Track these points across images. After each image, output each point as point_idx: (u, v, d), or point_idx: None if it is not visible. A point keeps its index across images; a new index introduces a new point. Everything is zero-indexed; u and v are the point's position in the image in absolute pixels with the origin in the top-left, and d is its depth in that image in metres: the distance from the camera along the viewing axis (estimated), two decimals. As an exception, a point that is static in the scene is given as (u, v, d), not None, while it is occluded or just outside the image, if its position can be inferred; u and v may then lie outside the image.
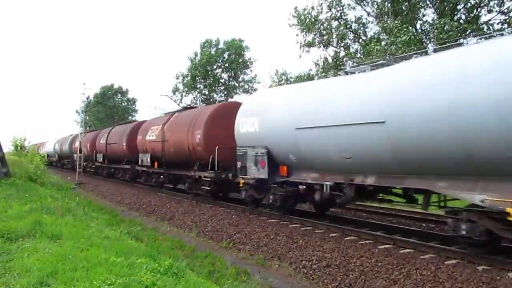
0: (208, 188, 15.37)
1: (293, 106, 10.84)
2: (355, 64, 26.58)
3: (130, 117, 64.96)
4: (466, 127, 6.81)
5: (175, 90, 47.21)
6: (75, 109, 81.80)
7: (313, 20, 28.17)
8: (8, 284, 5.02)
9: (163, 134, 18.33)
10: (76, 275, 5.09)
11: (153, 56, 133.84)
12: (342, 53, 28.87)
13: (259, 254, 9.51)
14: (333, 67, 28.17)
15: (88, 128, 51.76)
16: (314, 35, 28.58)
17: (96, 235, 7.74)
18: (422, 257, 7.80)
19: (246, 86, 47.66)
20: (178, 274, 5.59)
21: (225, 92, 46.77)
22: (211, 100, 44.14)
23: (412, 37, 21.62)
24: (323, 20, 28.27)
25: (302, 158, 10.53)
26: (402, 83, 8.17)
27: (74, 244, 6.67)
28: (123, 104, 72.23)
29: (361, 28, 28.68)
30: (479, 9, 23.51)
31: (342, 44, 28.85)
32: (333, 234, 9.90)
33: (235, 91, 47.34)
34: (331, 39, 28.47)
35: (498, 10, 23.00)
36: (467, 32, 21.86)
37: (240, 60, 46.85)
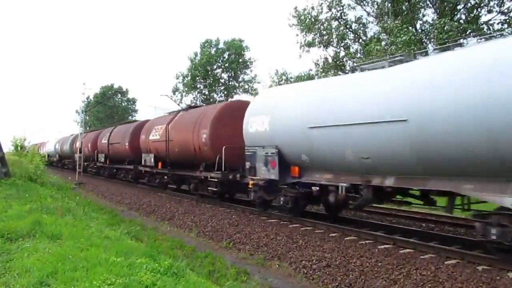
0: (215, 189, 14.95)
1: (306, 104, 10.39)
2: (355, 64, 26.62)
3: (130, 117, 64.98)
4: (498, 126, 6.39)
5: (175, 90, 47.24)
6: (75, 109, 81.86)
7: (313, 20, 28.16)
8: (8, 284, 5.02)
9: (168, 134, 17.95)
10: (76, 275, 5.09)
11: (153, 56, 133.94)
12: (342, 53, 28.88)
13: (259, 254, 9.51)
14: (333, 67, 28.18)
15: (88, 128, 51.74)
16: (314, 35, 28.58)
17: (96, 235, 7.74)
18: (422, 257, 7.80)
19: (246, 86, 47.72)
20: (178, 274, 5.59)
21: (225, 92, 46.76)
22: (211, 100, 44.14)
23: (412, 37, 21.61)
24: (323, 20, 28.28)
25: (315, 158, 10.11)
26: (426, 79, 7.64)
27: (74, 244, 6.67)
28: (123, 104, 72.26)
29: (361, 28, 28.69)
30: (479, 9, 23.51)
31: (342, 44, 28.85)
32: (333, 234, 9.89)
33: (235, 91, 47.37)
34: (331, 39, 28.47)
35: (498, 10, 23.01)
36: (467, 32, 21.85)
37: (240, 60, 46.85)
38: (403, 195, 9.40)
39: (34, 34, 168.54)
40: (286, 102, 11.28)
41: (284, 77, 32.17)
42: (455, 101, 6.94)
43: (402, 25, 22.35)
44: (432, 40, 22.27)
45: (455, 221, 11.89)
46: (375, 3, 27.29)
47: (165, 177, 19.63)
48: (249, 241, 10.49)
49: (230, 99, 40.97)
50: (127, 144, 23.70)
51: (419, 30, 24.45)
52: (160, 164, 19.25)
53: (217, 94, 46.73)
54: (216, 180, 14.56)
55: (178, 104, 43.51)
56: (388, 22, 24.33)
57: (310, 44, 28.91)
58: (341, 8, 27.86)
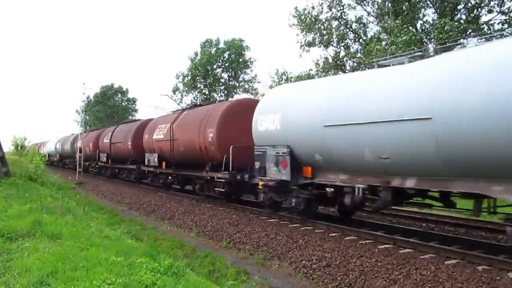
0: (222, 190, 14.50)
1: (321, 101, 9.93)
2: (354, 63, 26.65)
3: (130, 117, 64.92)
4: None
5: (175, 89, 47.17)
6: (75, 109, 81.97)
7: (313, 20, 28.15)
8: (8, 283, 5.03)
9: (172, 133, 17.55)
10: (76, 274, 5.10)
11: (153, 56, 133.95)
12: (342, 53, 28.87)
13: (259, 253, 9.51)
14: (333, 67, 28.17)
15: (88, 128, 51.71)
16: (314, 35, 28.57)
17: (96, 235, 7.75)
18: (422, 257, 7.80)
19: (246, 86, 47.68)
20: (178, 274, 5.59)
21: (225, 92, 46.74)
22: (211, 100, 44.09)
23: (413, 37, 21.60)
24: (323, 20, 28.27)
25: (330, 158, 9.68)
26: (452, 75, 7.23)
27: (74, 243, 6.68)
28: (123, 103, 72.21)
29: (362, 28, 28.68)
30: (479, 9, 23.50)
31: (342, 44, 28.84)
32: (333, 234, 9.89)
33: (235, 91, 47.34)
34: (331, 39, 28.46)
35: (498, 10, 22.99)
36: (468, 32, 21.84)
37: (240, 60, 46.79)
38: (422, 197, 8.94)
39: (34, 34, 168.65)
40: (299, 99, 10.80)
41: (284, 77, 32.16)
42: (487, 98, 6.53)
43: (403, 25, 22.34)
44: (433, 40, 22.26)
45: (455, 221, 11.91)
46: (376, 3, 27.28)
47: (170, 177, 19.25)
48: (249, 240, 10.49)
49: (230, 99, 40.99)
50: (129, 143, 23.35)
51: (420, 30, 24.44)
52: (164, 164, 18.87)
53: (217, 94, 46.69)
54: (223, 180, 14.16)
55: (178, 104, 43.50)
56: (389, 22, 24.32)
57: (310, 44, 28.90)
58: (341, 8, 27.84)
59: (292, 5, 59.79)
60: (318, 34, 28.41)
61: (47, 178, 20.62)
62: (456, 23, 21.20)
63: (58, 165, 46.09)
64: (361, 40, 28.61)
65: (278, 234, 10.42)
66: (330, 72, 27.31)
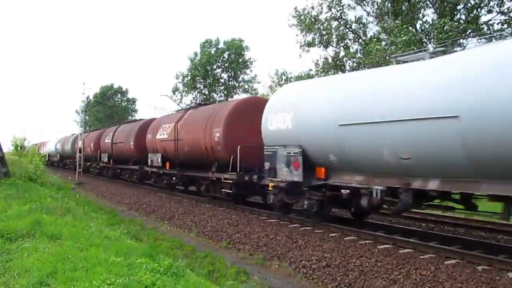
0: (229, 191, 14.01)
1: (336, 99, 9.49)
2: (354, 63, 26.65)
3: (130, 117, 64.94)
4: None
5: (175, 90, 47.21)
6: (75, 109, 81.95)
7: (313, 20, 28.18)
8: (7, 284, 5.03)
9: (176, 133, 17.08)
10: (76, 275, 5.10)
11: (153, 56, 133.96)
12: (342, 53, 28.90)
13: (259, 254, 9.51)
14: (333, 67, 28.19)
15: (87, 128, 51.70)
16: (314, 35, 28.60)
17: (95, 235, 7.74)
18: (421, 257, 7.80)
19: (246, 86, 47.72)
20: (178, 274, 5.60)
21: (225, 92, 46.77)
22: (211, 100, 44.10)
23: (412, 37, 21.62)
24: (323, 20, 28.30)
25: (345, 159, 9.27)
26: (482, 70, 6.82)
27: (74, 244, 6.68)
28: (123, 104, 72.27)
29: (361, 28, 28.71)
30: (479, 9, 23.53)
31: (342, 44, 28.87)
32: (333, 234, 9.89)
33: (235, 91, 47.37)
34: (331, 39, 28.48)
35: (498, 10, 23.02)
36: (467, 32, 21.86)
37: (240, 60, 46.83)
38: (444, 199, 8.51)
39: (34, 34, 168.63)
40: (312, 97, 10.34)
41: (284, 77, 32.19)
42: None
43: (402, 25, 22.36)
44: (432, 40, 22.28)
45: (455, 221, 11.91)
46: (375, 3, 27.32)
47: (174, 178, 18.70)
48: (248, 241, 10.49)
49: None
50: (132, 143, 22.91)
51: (419, 30, 24.47)
52: (167, 164, 18.43)
53: (217, 94, 46.74)
54: (230, 181, 13.68)
55: (178, 104, 43.52)
56: (388, 22, 24.34)
57: (310, 44, 28.94)
58: (341, 8, 27.89)
59: (292, 5, 59.83)
60: (318, 34, 28.45)
61: (47, 178, 20.61)
62: (455, 23, 21.24)
63: (58, 166, 45.72)
64: (360, 40, 28.63)
65: (277, 234, 10.42)
66: (329, 72, 27.34)
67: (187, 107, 20.17)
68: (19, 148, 31.33)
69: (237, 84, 47.90)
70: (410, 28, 23.18)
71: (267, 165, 11.39)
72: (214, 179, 14.82)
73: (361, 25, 28.56)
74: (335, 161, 9.55)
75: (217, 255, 9.38)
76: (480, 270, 6.92)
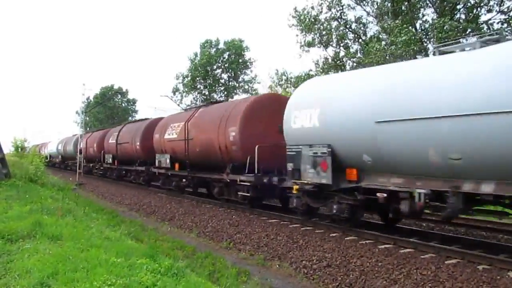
0: (247, 194, 13.07)
1: (372, 94, 8.67)
2: (354, 63, 26.64)
3: (130, 118, 64.93)
4: None
5: (175, 90, 47.21)
6: (75, 110, 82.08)
7: (312, 20, 28.18)
8: (8, 285, 5.03)
9: (187, 132, 16.28)
10: (77, 276, 5.10)
11: (153, 56, 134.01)
12: (342, 53, 28.91)
13: (260, 254, 9.51)
14: (333, 67, 28.19)
15: (88, 129, 51.69)
16: (314, 35, 28.60)
17: (96, 236, 7.74)
18: (422, 256, 7.80)
19: (246, 87, 47.75)
20: (179, 275, 5.60)
21: (225, 93, 46.78)
22: (211, 100, 44.14)
23: (412, 37, 21.63)
24: (323, 20, 28.30)
25: (382, 159, 8.52)
26: None
27: (75, 245, 6.68)
28: (123, 104, 72.26)
29: (361, 28, 28.72)
30: (478, 9, 23.54)
31: (342, 44, 28.88)
32: (333, 234, 9.89)
33: (235, 91, 47.39)
34: (331, 39, 28.49)
35: (498, 10, 23.03)
36: (467, 32, 21.87)
37: (240, 60, 46.84)
38: (496, 203, 7.75)
39: (34, 34, 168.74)
40: (343, 92, 9.59)
41: (284, 77, 32.21)
42: None
43: (402, 25, 22.37)
44: (432, 39, 22.29)
45: (455, 220, 11.89)
46: (375, 3, 27.33)
47: (184, 180, 17.83)
48: (249, 241, 10.49)
49: (230, 100, 40.98)
50: (138, 143, 22.23)
51: (419, 30, 24.48)
52: (177, 165, 17.60)
53: (217, 95, 46.75)
54: (248, 184, 12.85)
55: (178, 105, 43.52)
56: (388, 22, 24.36)
57: (310, 44, 28.94)
58: (341, 8, 27.89)
59: (291, 6, 59.84)
60: (318, 34, 28.44)
61: (47, 179, 20.63)
62: (455, 23, 21.25)
63: (60, 167, 45.19)
64: (360, 40, 28.64)
65: (278, 234, 10.42)
66: (329, 72, 27.33)
67: (197, 105, 19.56)
68: (19, 149, 31.33)
69: (237, 85, 47.92)
70: (410, 27, 23.18)
71: (290, 166, 10.63)
72: (228, 181, 14.08)
73: (361, 25, 28.57)
74: (369, 162, 8.78)
75: (218, 256, 9.39)
76: (481, 269, 6.92)
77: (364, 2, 27.77)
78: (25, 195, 12.58)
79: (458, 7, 23.75)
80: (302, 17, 28.53)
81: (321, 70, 28.32)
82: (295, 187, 10.54)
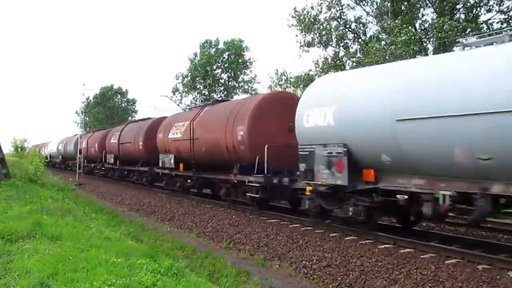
0: (256, 196, 12.63)
1: (392, 90, 8.29)
2: (354, 63, 26.66)
3: (130, 118, 64.95)
4: None
5: (175, 90, 47.26)
6: (75, 110, 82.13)
7: (312, 20, 28.20)
8: (8, 285, 5.03)
9: (192, 131, 15.89)
10: (77, 276, 5.10)
11: (152, 56, 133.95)
12: (342, 53, 28.93)
13: (260, 254, 9.51)
14: (333, 67, 28.21)
15: (87, 129, 51.68)
16: (314, 35, 28.62)
17: (96, 236, 7.75)
18: (422, 256, 7.81)
19: (246, 87, 47.78)
20: (178, 275, 5.60)
21: (225, 93, 46.80)
22: (210, 100, 44.17)
23: (412, 37, 21.64)
24: (322, 20, 28.32)
25: (402, 159, 8.14)
26: None
27: (74, 245, 6.68)
28: (123, 104, 72.29)
29: (361, 28, 28.74)
30: (478, 8, 23.56)
31: (342, 44, 28.90)
32: (333, 234, 9.89)
33: (235, 91, 47.43)
34: (331, 39, 28.51)
35: (497, 9, 23.05)
36: (467, 32, 21.89)
37: (240, 61, 46.88)
38: None
39: (34, 34, 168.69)
40: (360, 89, 9.20)
41: (283, 77, 32.24)
42: None
43: (402, 25, 22.39)
44: (432, 39, 22.31)
45: (455, 220, 11.90)
46: (375, 2, 27.36)
47: (188, 180, 17.39)
48: (249, 241, 10.49)
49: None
50: (141, 143, 21.85)
51: (418, 30, 24.50)
52: (181, 166, 17.17)
53: (217, 95, 46.76)
54: (256, 185, 12.45)
55: (178, 105, 43.55)
56: (388, 21, 24.38)
57: (309, 44, 28.96)
58: (341, 8, 27.92)
59: (291, 6, 59.87)
60: (317, 34, 28.46)
61: (47, 179, 20.63)
62: (455, 23, 21.26)
63: (60, 167, 44.93)
64: (360, 40, 28.66)
65: (278, 234, 10.42)
66: (329, 72, 27.35)
67: (203, 103, 19.15)
68: (19, 149, 31.31)
69: (237, 85, 47.96)
70: (410, 27, 23.20)
71: (302, 166, 10.22)
72: (236, 182, 13.67)
73: (360, 25, 28.61)
74: (388, 162, 8.39)
75: (218, 256, 9.38)
76: (481, 269, 6.93)
77: (364, 2, 27.82)
78: (25, 195, 12.59)
79: (457, 7, 23.79)
80: (301, 17, 28.55)
81: (321, 70, 28.35)
82: (308, 188, 10.19)
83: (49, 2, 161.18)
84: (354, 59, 27.32)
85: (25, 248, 6.48)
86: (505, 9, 22.72)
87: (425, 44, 23.38)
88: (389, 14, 25.14)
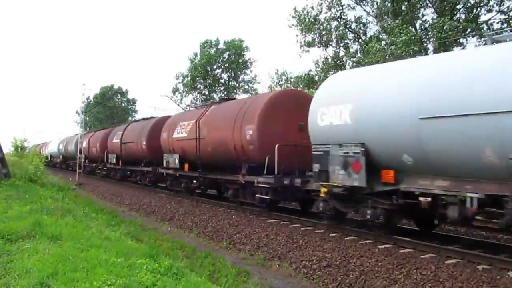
0: (266, 197, 12.24)
1: (415, 87, 7.86)
2: (354, 63, 26.65)
3: (130, 118, 64.96)
4: None
5: (175, 90, 47.23)
6: (75, 110, 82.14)
7: (312, 20, 28.18)
8: (8, 285, 5.03)
9: (198, 131, 15.50)
10: (76, 276, 5.10)
11: (153, 56, 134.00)
12: (342, 53, 28.91)
13: (259, 254, 9.51)
14: (333, 67, 28.20)
15: (88, 129, 51.67)
16: (314, 35, 28.60)
17: (96, 236, 7.75)
18: (422, 256, 7.81)
19: (246, 87, 47.79)
20: (178, 275, 5.60)
21: (225, 93, 46.80)
22: (211, 100, 44.18)
23: (412, 37, 21.63)
24: (323, 20, 28.30)
25: (426, 160, 7.71)
26: None
27: (74, 245, 6.68)
28: (123, 104, 72.32)
29: (361, 28, 28.72)
30: (478, 9, 23.55)
31: (342, 44, 28.88)
32: (333, 234, 9.89)
33: (235, 91, 47.42)
34: (331, 39, 28.49)
35: (497, 10, 23.03)
36: (467, 32, 21.88)
37: (240, 61, 46.87)
38: None
39: (34, 34, 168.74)
40: (379, 85, 8.75)
41: (284, 77, 32.21)
42: None
43: (402, 25, 22.38)
44: (432, 39, 22.30)
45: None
46: (375, 3, 27.33)
47: (194, 181, 16.98)
48: (249, 241, 10.49)
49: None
50: (144, 143, 21.46)
51: (419, 30, 24.49)
52: (186, 166, 16.78)
53: (217, 95, 46.75)
54: (266, 186, 12.01)
55: (178, 105, 43.57)
56: (388, 22, 24.37)
57: (309, 44, 28.93)
58: (341, 8, 27.88)
59: (291, 6, 59.87)
60: (318, 34, 28.44)
61: (47, 179, 20.63)
62: (455, 23, 21.24)
63: (61, 167, 44.75)
64: (360, 40, 28.65)
65: (278, 234, 10.42)
66: (329, 72, 27.34)
67: (208, 102, 18.77)
68: (19, 149, 31.33)
69: (237, 85, 47.96)
70: (410, 27, 23.19)
71: (316, 167, 9.79)
72: (243, 182, 13.21)
73: (361, 25, 28.57)
74: (410, 163, 7.98)
75: (218, 256, 9.38)
76: (481, 269, 6.93)
77: (364, 2, 27.77)
78: (25, 195, 12.59)
79: (458, 7, 23.76)
80: (302, 17, 28.51)
81: (321, 70, 28.33)
82: (323, 190, 9.82)
83: (49, 2, 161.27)
84: (354, 59, 27.28)
85: (25, 248, 6.48)
86: (505, 9, 22.71)
87: (425, 44, 23.35)
88: (390, 14, 25.12)
